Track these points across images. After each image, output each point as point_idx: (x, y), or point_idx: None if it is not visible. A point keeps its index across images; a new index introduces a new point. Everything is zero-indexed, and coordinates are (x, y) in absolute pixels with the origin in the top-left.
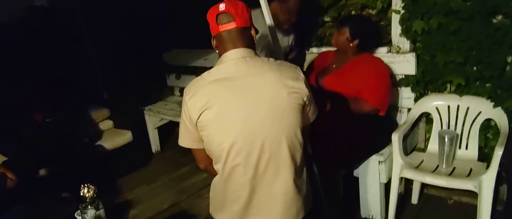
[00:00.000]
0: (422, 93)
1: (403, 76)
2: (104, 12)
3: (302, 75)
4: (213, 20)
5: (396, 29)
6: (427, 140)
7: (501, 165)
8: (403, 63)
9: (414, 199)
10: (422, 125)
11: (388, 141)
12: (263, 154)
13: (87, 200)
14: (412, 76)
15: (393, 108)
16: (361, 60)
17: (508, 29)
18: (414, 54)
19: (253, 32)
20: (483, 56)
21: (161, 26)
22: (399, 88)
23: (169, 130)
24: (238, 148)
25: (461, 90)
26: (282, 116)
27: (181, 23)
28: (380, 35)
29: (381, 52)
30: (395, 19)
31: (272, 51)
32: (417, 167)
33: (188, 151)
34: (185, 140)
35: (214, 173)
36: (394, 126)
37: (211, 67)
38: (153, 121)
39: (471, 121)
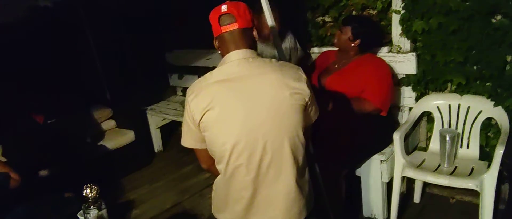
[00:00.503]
0: (423, 92)
1: (404, 76)
2: (107, 12)
3: (304, 75)
4: (216, 21)
5: (396, 29)
6: (428, 139)
7: (502, 163)
8: (404, 63)
9: (416, 198)
10: (423, 124)
11: (390, 141)
12: (265, 155)
13: (90, 200)
14: (413, 75)
15: (395, 107)
16: (364, 60)
17: (507, 29)
18: (414, 53)
19: (255, 33)
20: (483, 55)
21: (163, 26)
22: (400, 88)
23: (172, 130)
24: (241, 149)
25: (461, 89)
26: (284, 116)
27: (184, 23)
28: (382, 36)
29: (382, 52)
30: (395, 19)
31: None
32: (419, 166)
33: (191, 150)
34: (188, 140)
35: (216, 173)
36: (395, 125)
37: (213, 67)
38: (155, 120)
39: (472, 120)
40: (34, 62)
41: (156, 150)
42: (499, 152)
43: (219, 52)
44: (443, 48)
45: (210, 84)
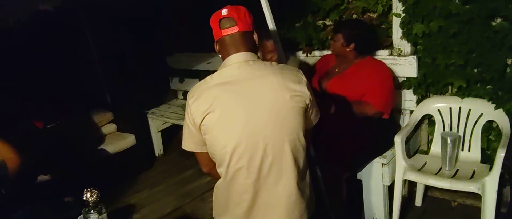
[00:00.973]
0: (424, 95)
1: (405, 79)
2: (108, 15)
3: (304, 78)
4: (216, 25)
5: (397, 32)
6: (429, 142)
7: (504, 166)
8: (405, 66)
9: (418, 201)
10: (424, 127)
11: (391, 144)
12: (266, 157)
13: (90, 204)
14: (414, 78)
15: (396, 110)
16: (364, 63)
17: (507, 32)
18: (415, 56)
19: (255, 36)
20: (483, 58)
21: (164, 29)
22: (401, 91)
23: (173, 134)
24: (241, 151)
25: (462, 92)
26: (285, 119)
27: (185, 26)
28: (377, 36)
29: (383, 55)
30: (396, 22)
31: None
32: (420, 169)
33: (192, 154)
34: (188, 143)
35: (217, 177)
36: (396, 128)
37: (214, 71)
38: (156, 124)
39: (473, 123)
40: (35, 66)
41: (157, 154)
42: (500, 155)
43: (220, 55)
44: (444, 51)
45: (211, 87)
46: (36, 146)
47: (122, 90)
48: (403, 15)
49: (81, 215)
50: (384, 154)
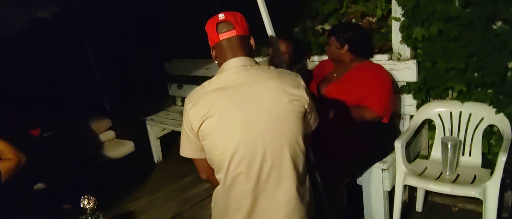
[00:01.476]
0: (424, 100)
1: (405, 83)
2: (106, 22)
3: (302, 82)
4: (213, 29)
5: (396, 36)
6: (430, 147)
7: (505, 171)
8: (404, 70)
9: (419, 206)
10: (424, 132)
11: (391, 149)
12: (265, 163)
13: (88, 211)
14: (414, 83)
15: (396, 115)
16: (362, 67)
17: (508, 35)
18: (415, 61)
19: (252, 41)
20: (484, 62)
21: (163, 36)
22: (401, 95)
23: (171, 140)
24: (240, 157)
25: (463, 96)
26: (284, 123)
27: (183, 33)
28: (371, 38)
29: (382, 60)
30: (395, 26)
31: None
32: (421, 175)
33: (190, 161)
34: (186, 150)
35: (216, 183)
36: (396, 133)
37: (212, 77)
38: (155, 131)
39: (473, 128)
40: (32, 74)
41: (156, 161)
42: (501, 159)
43: (216, 62)
44: (444, 55)
45: (209, 92)
46: (33, 155)
47: (120, 97)
48: (402, 19)
49: None
50: (384, 159)
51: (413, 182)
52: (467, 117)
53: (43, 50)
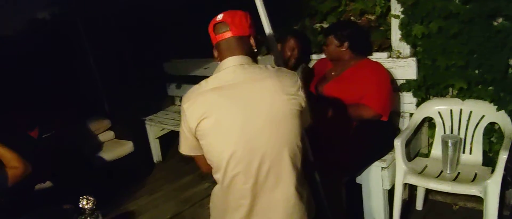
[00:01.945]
0: (424, 97)
1: (405, 81)
2: (105, 23)
3: (299, 81)
4: (211, 30)
5: (396, 34)
6: (430, 145)
7: (506, 169)
8: (404, 68)
9: (419, 205)
10: (424, 130)
11: (391, 147)
12: (263, 162)
13: (86, 211)
14: (413, 80)
15: (395, 113)
16: (361, 66)
17: (509, 32)
18: (414, 58)
19: (252, 41)
20: (485, 59)
21: (161, 36)
22: (400, 93)
23: (171, 140)
24: (238, 157)
25: (463, 94)
26: (282, 122)
27: (181, 32)
28: (369, 35)
29: (381, 58)
30: (395, 24)
31: None
32: (421, 173)
33: (190, 160)
34: (185, 147)
35: None
36: (396, 131)
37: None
38: (154, 131)
39: (474, 125)
40: (30, 75)
41: (155, 161)
42: (502, 157)
43: (218, 62)
44: (444, 52)
45: (206, 92)
46: (32, 157)
47: (119, 97)
48: (402, 16)
49: None
50: (383, 158)
51: (413, 180)
52: (468, 115)
53: (42, 51)
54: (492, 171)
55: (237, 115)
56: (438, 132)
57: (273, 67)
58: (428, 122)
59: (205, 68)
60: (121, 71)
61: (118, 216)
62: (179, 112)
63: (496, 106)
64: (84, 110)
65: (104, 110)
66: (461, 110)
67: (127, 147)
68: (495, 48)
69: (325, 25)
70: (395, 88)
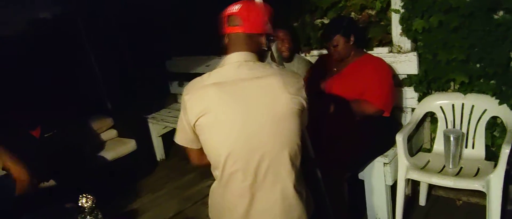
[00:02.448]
0: (426, 92)
1: (406, 76)
2: (106, 21)
3: (302, 81)
4: (225, 20)
5: (396, 28)
6: (432, 140)
7: (509, 163)
8: (405, 63)
9: (422, 200)
10: (427, 125)
11: (393, 143)
12: (263, 160)
13: (86, 210)
14: (415, 75)
15: (397, 108)
16: (362, 61)
17: (510, 25)
18: (415, 53)
19: (263, 39)
20: (486, 52)
21: (163, 34)
22: (402, 88)
23: (173, 138)
24: (237, 154)
25: (465, 88)
26: (283, 121)
27: (183, 30)
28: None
29: (382, 53)
30: (395, 18)
31: None
32: (423, 168)
33: None
34: (180, 138)
35: (208, 165)
36: (398, 127)
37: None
38: (157, 129)
39: (476, 120)
40: (32, 74)
41: (158, 159)
42: (505, 151)
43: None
44: (445, 46)
45: (207, 86)
46: (35, 156)
47: (122, 95)
48: (402, 11)
49: None
50: (385, 153)
51: (415, 176)
52: (470, 109)
53: (43, 49)
54: (495, 165)
55: (238, 112)
56: (440, 127)
57: (277, 66)
58: (430, 117)
59: (207, 65)
60: (123, 70)
61: (121, 214)
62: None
63: (498, 100)
64: (86, 109)
65: (106, 108)
66: (463, 104)
67: (130, 145)
68: (496, 42)
69: (326, 21)
70: (396, 83)
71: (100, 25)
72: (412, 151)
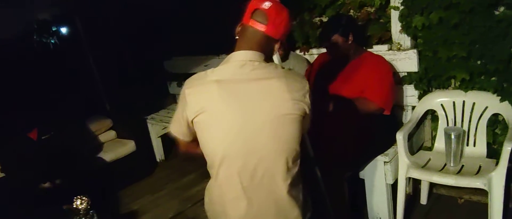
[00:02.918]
0: (426, 90)
1: (406, 74)
2: (105, 23)
3: (307, 86)
4: (250, 11)
5: (395, 26)
6: (433, 138)
7: (511, 160)
8: (405, 60)
9: (423, 199)
10: (427, 123)
11: (393, 141)
12: (259, 164)
13: (80, 212)
14: (415, 73)
15: (397, 107)
16: (362, 59)
17: (511, 20)
18: (415, 50)
19: (277, 46)
20: (487, 49)
21: (161, 34)
22: (402, 86)
23: (173, 139)
24: (233, 157)
25: (465, 85)
26: (283, 126)
27: (181, 30)
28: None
29: (382, 50)
30: (394, 15)
31: None
32: (424, 166)
33: (193, 159)
34: (174, 128)
35: (195, 153)
36: (398, 125)
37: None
38: (156, 129)
39: (477, 117)
40: (30, 75)
41: (158, 159)
42: (507, 148)
43: (236, 37)
44: (445, 43)
45: (209, 83)
46: (32, 159)
47: (121, 96)
48: (401, 7)
49: None
50: (386, 152)
51: (416, 174)
52: (471, 107)
53: (42, 51)
54: (497, 163)
55: (237, 113)
56: (441, 124)
57: (283, 68)
58: (431, 115)
59: (206, 65)
60: (122, 70)
61: (121, 215)
62: None
63: (499, 97)
64: (85, 110)
65: (105, 110)
66: (464, 102)
67: (129, 146)
68: (497, 38)
69: (325, 19)
70: (396, 80)
71: (98, 25)
72: (412, 150)
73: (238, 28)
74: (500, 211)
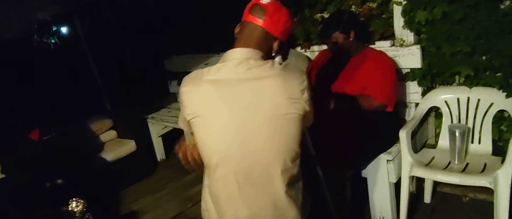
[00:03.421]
0: (430, 86)
1: (409, 70)
2: (104, 22)
3: (306, 82)
4: (249, 6)
5: (398, 21)
6: (437, 135)
7: None
8: (408, 56)
9: (427, 198)
10: (431, 120)
11: (396, 139)
12: (257, 165)
13: (76, 214)
14: (418, 69)
15: (400, 104)
16: (364, 55)
17: None
18: (418, 46)
19: (276, 44)
20: (492, 44)
21: (161, 33)
22: (405, 83)
23: (174, 138)
24: (230, 159)
25: (470, 82)
26: (281, 126)
27: (181, 29)
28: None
29: (384, 46)
30: (397, 11)
31: None
32: (428, 165)
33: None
34: (182, 124)
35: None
36: (402, 122)
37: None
38: (156, 129)
39: (483, 114)
40: (30, 76)
41: (158, 159)
42: None
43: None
44: (449, 38)
45: (205, 82)
46: (33, 159)
47: (121, 96)
48: (404, 2)
49: None
50: (389, 150)
51: (419, 172)
52: (476, 103)
53: (42, 51)
54: (503, 161)
55: (233, 115)
56: (445, 122)
57: (280, 64)
58: (435, 112)
59: (205, 64)
60: (122, 70)
61: (122, 216)
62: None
63: (505, 93)
64: (86, 110)
65: (105, 109)
66: (468, 98)
67: (130, 146)
68: (503, 32)
69: (326, 15)
70: (399, 77)
71: (97, 25)
72: (416, 147)
73: (237, 28)
74: (507, 209)
